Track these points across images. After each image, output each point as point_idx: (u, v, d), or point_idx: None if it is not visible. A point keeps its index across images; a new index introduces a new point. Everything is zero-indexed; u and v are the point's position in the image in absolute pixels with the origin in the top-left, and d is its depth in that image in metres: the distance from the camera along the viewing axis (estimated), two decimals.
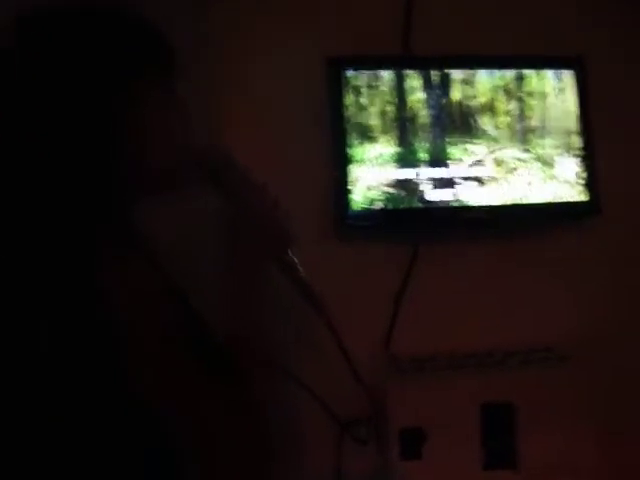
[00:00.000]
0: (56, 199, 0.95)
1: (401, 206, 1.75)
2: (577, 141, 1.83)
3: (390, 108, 1.77)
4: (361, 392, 1.73)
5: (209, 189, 1.14)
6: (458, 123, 1.79)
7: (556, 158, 1.82)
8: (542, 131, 1.82)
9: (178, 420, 0.94)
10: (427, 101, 1.78)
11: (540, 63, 1.83)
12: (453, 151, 1.78)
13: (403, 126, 1.77)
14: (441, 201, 1.76)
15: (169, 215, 1.18)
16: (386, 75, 1.77)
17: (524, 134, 1.81)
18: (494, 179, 1.79)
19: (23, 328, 0.90)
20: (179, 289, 1.07)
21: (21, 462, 0.92)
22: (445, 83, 1.79)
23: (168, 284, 1.04)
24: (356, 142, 1.74)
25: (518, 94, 1.82)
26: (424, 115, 1.78)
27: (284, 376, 1.53)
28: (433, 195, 1.76)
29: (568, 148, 1.83)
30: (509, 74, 1.82)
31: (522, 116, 1.82)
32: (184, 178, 1.10)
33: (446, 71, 1.79)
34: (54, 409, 0.90)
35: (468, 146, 1.79)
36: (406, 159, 1.76)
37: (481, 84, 1.80)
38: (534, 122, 1.82)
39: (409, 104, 1.78)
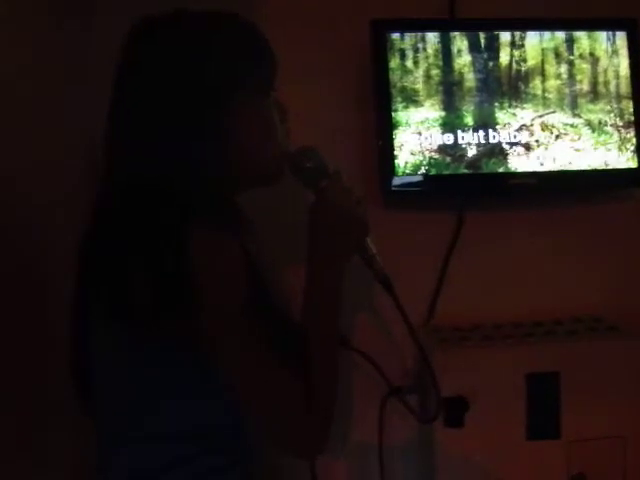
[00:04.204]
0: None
1: (446, 172, 1.72)
2: (629, 106, 1.77)
3: (436, 72, 1.73)
4: (405, 361, 1.71)
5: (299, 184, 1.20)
6: (506, 87, 1.75)
7: (606, 123, 1.77)
8: (592, 95, 1.77)
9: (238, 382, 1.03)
10: (474, 64, 1.74)
11: (592, 24, 1.77)
12: (500, 116, 1.74)
13: (449, 90, 1.73)
14: (487, 167, 1.73)
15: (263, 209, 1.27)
16: (432, 38, 1.73)
17: (574, 98, 1.76)
18: (542, 144, 1.75)
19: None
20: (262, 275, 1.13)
21: None
22: (493, 46, 1.75)
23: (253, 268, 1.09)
24: (401, 106, 1.71)
25: (569, 57, 1.77)
26: (471, 79, 1.74)
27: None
28: (479, 161, 1.73)
29: (619, 113, 1.77)
30: (559, 36, 1.76)
31: (572, 80, 1.76)
32: (279, 174, 1.18)
33: (494, 33, 1.74)
34: None
35: (516, 111, 1.74)
36: (452, 124, 1.72)
37: (530, 47, 1.75)
38: (584, 86, 1.77)
39: (455, 68, 1.73)
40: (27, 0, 1.56)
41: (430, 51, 1.73)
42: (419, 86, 1.72)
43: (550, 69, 1.76)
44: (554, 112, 1.75)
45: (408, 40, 1.72)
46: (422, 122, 1.71)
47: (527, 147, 1.74)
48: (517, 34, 1.75)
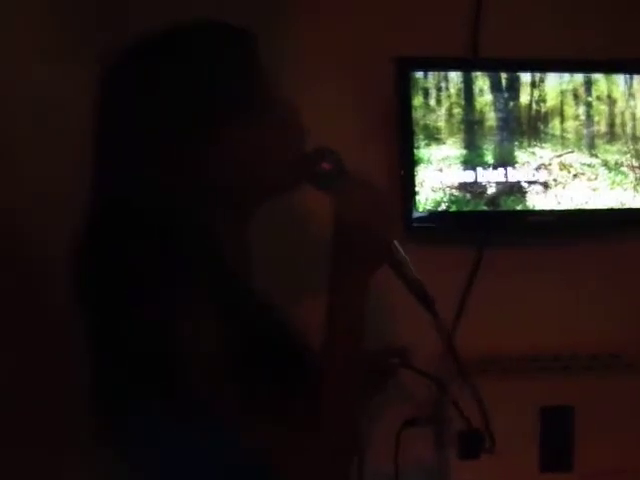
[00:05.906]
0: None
1: (466, 209, 1.76)
2: None
3: (458, 110, 1.77)
4: (423, 391, 1.74)
5: (318, 191, 1.14)
6: (525, 127, 1.79)
7: (622, 164, 1.81)
8: (609, 136, 1.81)
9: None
10: (495, 104, 1.78)
11: (610, 67, 1.82)
12: (520, 155, 1.77)
13: (470, 128, 1.77)
14: (506, 204, 1.77)
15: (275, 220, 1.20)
16: (455, 77, 1.77)
17: (591, 139, 1.80)
18: (560, 183, 1.78)
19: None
20: (266, 305, 1.10)
21: None
22: (514, 86, 1.79)
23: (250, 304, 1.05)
24: (423, 144, 1.75)
25: (587, 98, 1.81)
26: (492, 118, 1.78)
27: None
28: (498, 198, 1.76)
29: (635, 154, 1.81)
30: (578, 78, 1.81)
31: (590, 121, 1.81)
32: (292, 183, 1.15)
33: (515, 74, 1.79)
34: None
35: (535, 150, 1.78)
36: (472, 161, 1.76)
37: (550, 88, 1.79)
38: (602, 127, 1.81)
39: (477, 107, 1.77)
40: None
41: (453, 90, 1.77)
42: (441, 124, 1.76)
43: (569, 110, 1.80)
44: (572, 152, 1.79)
45: (431, 79, 1.76)
46: (443, 159, 1.75)
47: (545, 185, 1.78)
48: (537, 75, 1.79)
